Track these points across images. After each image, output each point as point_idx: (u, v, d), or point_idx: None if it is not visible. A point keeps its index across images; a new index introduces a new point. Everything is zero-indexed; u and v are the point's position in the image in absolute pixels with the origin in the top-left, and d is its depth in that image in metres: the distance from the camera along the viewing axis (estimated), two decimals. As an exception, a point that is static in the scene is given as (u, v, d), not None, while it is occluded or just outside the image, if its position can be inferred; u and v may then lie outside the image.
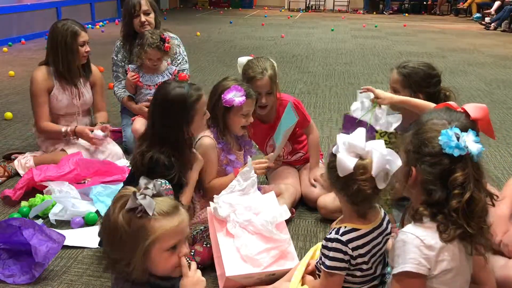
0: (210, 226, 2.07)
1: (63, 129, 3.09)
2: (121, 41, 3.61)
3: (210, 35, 9.66)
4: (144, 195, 1.38)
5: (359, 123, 2.28)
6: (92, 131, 3.10)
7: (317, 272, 1.73)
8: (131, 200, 1.36)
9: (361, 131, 1.54)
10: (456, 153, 1.38)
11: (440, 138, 1.40)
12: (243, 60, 2.65)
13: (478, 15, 13.26)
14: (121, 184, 2.40)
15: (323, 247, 1.60)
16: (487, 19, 11.90)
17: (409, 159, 1.49)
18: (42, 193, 2.70)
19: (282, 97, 2.70)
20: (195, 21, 12.12)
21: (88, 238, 2.34)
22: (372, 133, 2.24)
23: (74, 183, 2.78)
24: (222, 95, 2.27)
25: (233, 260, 1.93)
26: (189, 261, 1.88)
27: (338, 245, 1.55)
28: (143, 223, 1.36)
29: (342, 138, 1.53)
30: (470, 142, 1.39)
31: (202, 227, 2.20)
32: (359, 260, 1.58)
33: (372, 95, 2.30)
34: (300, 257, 2.00)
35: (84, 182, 2.88)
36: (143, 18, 3.44)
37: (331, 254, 1.56)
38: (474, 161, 1.40)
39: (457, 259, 1.42)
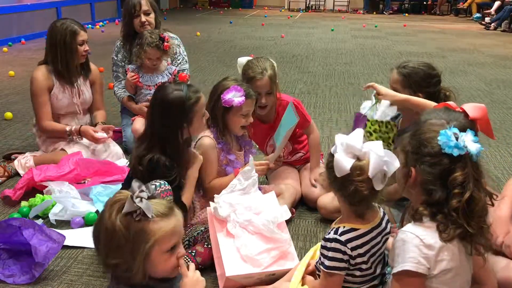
0: (210, 226, 2.07)
1: (68, 128, 3.10)
2: (121, 41, 3.61)
3: (210, 35, 9.66)
4: (140, 198, 1.37)
5: (364, 118, 2.31)
6: (96, 132, 3.10)
7: (317, 272, 1.73)
8: (129, 203, 1.35)
9: (359, 132, 1.55)
10: (455, 152, 1.38)
11: (439, 138, 1.41)
12: (243, 60, 2.65)
13: (478, 15, 13.26)
14: (121, 184, 2.40)
15: (322, 247, 1.60)
16: (487, 19, 11.90)
17: (408, 160, 1.49)
18: (42, 193, 2.70)
19: (282, 97, 2.70)
20: (195, 21, 12.12)
21: (88, 238, 2.33)
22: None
23: (74, 183, 2.78)
24: (221, 95, 2.28)
25: (233, 260, 1.93)
26: (188, 261, 1.89)
27: (337, 245, 1.55)
28: (142, 226, 1.36)
29: (340, 139, 1.54)
30: (469, 141, 1.40)
31: (202, 228, 2.20)
32: (358, 260, 1.58)
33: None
34: (300, 257, 2.00)
35: (84, 182, 2.88)
36: (143, 18, 3.44)
37: (330, 254, 1.56)
38: (473, 161, 1.40)
39: (457, 259, 1.42)
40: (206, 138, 2.32)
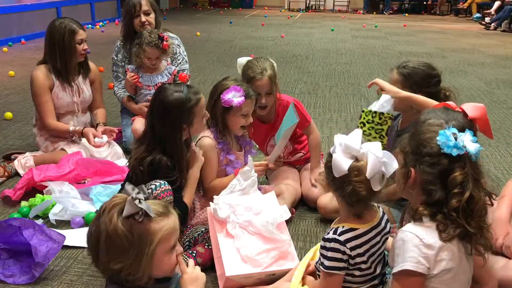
0: (210, 226, 2.07)
1: (71, 128, 3.10)
2: (121, 41, 3.61)
3: (210, 35, 9.66)
4: (139, 199, 1.37)
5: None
6: (95, 136, 3.11)
7: (317, 273, 1.73)
8: (129, 206, 1.34)
9: (358, 132, 1.55)
10: (454, 152, 1.39)
11: (438, 138, 1.41)
12: (242, 60, 2.65)
13: (478, 15, 13.26)
14: (121, 184, 2.40)
15: (322, 247, 1.60)
16: (487, 19, 11.90)
17: (408, 160, 1.49)
18: (42, 193, 2.70)
19: (282, 97, 2.70)
20: (195, 21, 12.12)
21: (88, 238, 2.34)
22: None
23: (74, 183, 2.78)
24: (221, 95, 2.27)
25: (233, 260, 1.93)
26: (187, 258, 1.89)
27: (336, 245, 1.56)
28: (145, 227, 1.36)
29: (339, 139, 1.54)
30: (468, 141, 1.40)
31: (203, 229, 2.20)
32: (358, 259, 1.58)
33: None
34: (300, 257, 2.00)
35: (84, 182, 2.88)
36: (143, 18, 3.44)
37: (330, 254, 1.57)
38: (472, 161, 1.41)
39: (457, 259, 1.42)
40: (206, 138, 2.33)
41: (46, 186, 2.71)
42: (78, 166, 2.89)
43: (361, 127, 2.33)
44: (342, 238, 1.56)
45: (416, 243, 1.40)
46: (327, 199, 2.49)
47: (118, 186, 2.60)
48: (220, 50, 7.89)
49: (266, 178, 2.91)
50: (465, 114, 1.60)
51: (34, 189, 2.75)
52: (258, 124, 2.63)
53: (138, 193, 1.38)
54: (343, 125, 4.17)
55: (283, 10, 16.15)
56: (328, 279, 1.59)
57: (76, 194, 2.65)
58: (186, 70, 3.61)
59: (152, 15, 3.50)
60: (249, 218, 2.02)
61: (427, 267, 1.40)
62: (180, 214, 2.09)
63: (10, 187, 2.81)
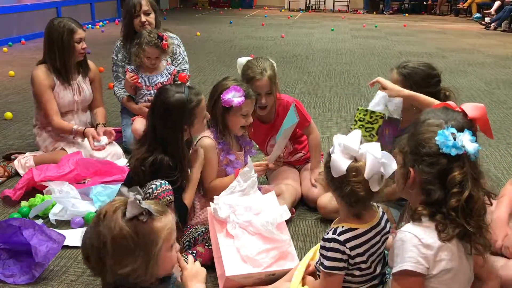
0: (210, 226, 2.07)
1: (75, 126, 3.11)
2: (121, 41, 3.61)
3: (210, 35, 9.66)
4: (139, 200, 1.37)
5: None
6: (95, 138, 3.12)
7: (317, 273, 1.73)
8: (134, 207, 1.33)
9: (357, 133, 1.55)
10: (453, 152, 1.39)
11: (437, 138, 1.41)
12: (242, 60, 2.65)
13: (478, 15, 13.26)
14: (121, 184, 2.40)
15: (321, 247, 1.60)
16: (487, 19, 11.90)
17: (407, 160, 1.49)
18: (42, 193, 2.70)
19: (282, 97, 2.70)
20: (195, 21, 12.12)
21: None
22: (393, 128, 2.31)
23: (74, 183, 2.79)
24: (221, 95, 2.28)
25: (233, 260, 1.93)
26: (186, 257, 1.88)
27: (336, 245, 1.56)
28: (150, 227, 1.35)
29: (338, 139, 1.54)
30: (467, 141, 1.40)
31: (203, 229, 2.20)
32: (358, 259, 1.58)
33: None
34: (300, 257, 2.00)
35: (84, 182, 2.88)
36: (143, 18, 3.44)
37: (329, 254, 1.57)
38: (471, 160, 1.41)
39: (456, 259, 1.42)
40: (206, 138, 2.32)
41: (46, 186, 2.71)
42: (78, 166, 2.89)
43: (354, 125, 2.35)
44: (341, 238, 1.56)
45: (415, 243, 1.40)
46: (327, 199, 2.49)
47: (118, 186, 2.60)
48: (220, 50, 7.89)
49: (266, 178, 2.91)
50: (464, 114, 1.60)
51: (34, 189, 2.75)
52: (258, 124, 2.63)
53: (137, 194, 1.38)
54: (343, 125, 4.17)
55: (283, 10, 16.16)
56: (328, 279, 1.60)
57: (76, 194, 2.65)
58: (186, 70, 3.61)
59: (152, 15, 3.50)
60: (249, 218, 2.02)
61: (426, 267, 1.40)
62: (180, 214, 2.12)
63: (10, 187, 2.81)
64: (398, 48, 8.34)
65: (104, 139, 3.13)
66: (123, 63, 3.57)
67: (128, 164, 2.25)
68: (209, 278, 1.98)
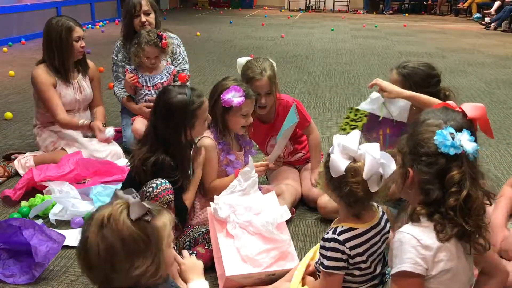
0: (210, 226, 2.08)
1: (80, 122, 3.11)
2: (121, 41, 3.61)
3: (210, 35, 9.66)
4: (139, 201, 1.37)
5: (376, 118, 2.33)
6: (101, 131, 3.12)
7: (317, 273, 1.73)
8: (138, 207, 1.32)
9: (356, 133, 1.55)
10: (451, 152, 1.39)
11: (435, 138, 1.41)
12: (242, 60, 2.65)
13: (478, 15, 13.26)
14: (121, 184, 2.40)
15: (321, 247, 1.61)
16: (487, 19, 11.90)
17: (406, 160, 1.49)
18: (42, 193, 2.70)
19: (282, 97, 2.70)
20: (195, 21, 12.12)
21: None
22: (384, 127, 2.29)
23: (74, 183, 2.79)
24: (221, 95, 2.28)
25: (233, 260, 1.93)
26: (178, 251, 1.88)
27: (336, 245, 1.56)
28: (154, 225, 1.34)
29: (337, 139, 1.54)
30: (465, 141, 1.40)
31: (203, 229, 2.20)
32: (357, 259, 1.58)
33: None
34: (300, 257, 2.00)
35: (84, 182, 2.88)
36: (143, 18, 3.44)
37: (329, 254, 1.57)
38: (470, 160, 1.41)
39: (455, 259, 1.42)
40: (206, 138, 2.32)
41: (46, 186, 2.72)
42: (78, 166, 2.89)
43: (342, 123, 2.37)
44: (341, 237, 1.56)
45: (414, 244, 1.40)
46: (327, 199, 2.49)
47: (118, 186, 2.60)
48: (220, 50, 7.89)
49: (266, 178, 2.91)
50: (464, 114, 1.60)
51: (34, 189, 2.76)
52: (258, 124, 2.63)
53: (135, 196, 1.37)
54: (343, 125, 4.16)
55: (283, 10, 16.15)
56: (328, 279, 1.60)
57: (76, 194, 2.65)
58: (186, 70, 3.61)
59: (152, 15, 3.50)
60: (249, 218, 2.02)
61: (425, 268, 1.40)
62: (180, 213, 2.12)
63: (10, 187, 2.81)
64: (398, 48, 8.34)
65: (110, 130, 3.11)
66: (123, 63, 3.57)
67: (129, 164, 2.25)
68: (209, 278, 1.98)
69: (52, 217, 2.49)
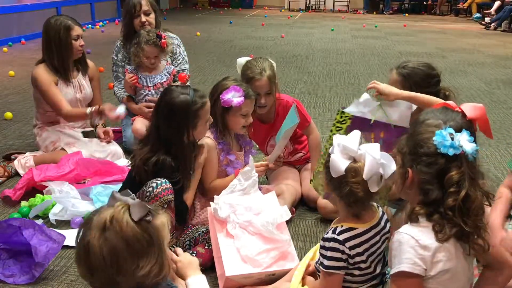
0: (210, 226, 2.08)
1: (88, 110, 3.09)
2: (121, 41, 3.61)
3: (210, 35, 9.66)
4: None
5: (363, 120, 2.27)
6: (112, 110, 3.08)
7: (317, 273, 1.73)
8: (140, 208, 1.31)
9: (356, 134, 1.55)
10: (451, 152, 1.39)
11: (434, 138, 1.41)
12: (242, 60, 2.65)
13: (478, 15, 13.26)
14: (121, 184, 2.40)
15: (321, 247, 1.61)
16: (487, 19, 11.90)
17: (405, 160, 1.50)
18: (42, 193, 2.70)
19: (282, 97, 2.70)
20: (195, 21, 12.12)
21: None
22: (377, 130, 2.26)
23: (74, 183, 2.79)
24: (220, 95, 2.28)
25: (233, 260, 1.93)
26: (173, 249, 1.89)
27: (335, 245, 1.56)
28: (155, 224, 1.35)
29: (337, 139, 1.54)
30: (464, 141, 1.40)
31: (204, 229, 2.20)
32: (357, 259, 1.58)
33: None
34: (300, 257, 2.00)
35: (84, 182, 2.88)
36: (143, 18, 3.44)
37: (329, 253, 1.57)
38: (469, 160, 1.41)
39: (454, 259, 1.42)
40: (206, 138, 2.32)
41: (46, 186, 2.72)
42: (78, 166, 2.89)
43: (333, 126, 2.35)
44: (341, 237, 1.56)
45: (412, 244, 1.40)
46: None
47: (118, 186, 2.60)
48: (220, 50, 7.89)
49: (266, 178, 2.92)
50: (464, 114, 1.60)
51: (34, 189, 2.76)
52: (258, 124, 2.64)
53: (133, 198, 1.37)
54: (343, 125, 4.16)
55: (283, 10, 16.15)
56: (328, 279, 1.60)
57: (76, 194, 2.65)
58: (186, 70, 3.61)
59: (152, 15, 3.50)
60: (249, 218, 2.02)
61: (423, 268, 1.40)
62: (180, 213, 2.13)
63: (10, 187, 2.82)
64: (398, 48, 8.34)
65: (121, 108, 3.06)
66: (123, 63, 3.57)
67: (130, 163, 2.25)
68: (209, 278, 1.98)
69: (52, 217, 2.49)
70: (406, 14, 14.97)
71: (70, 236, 2.28)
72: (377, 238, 1.62)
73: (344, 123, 2.28)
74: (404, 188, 1.51)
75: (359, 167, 1.49)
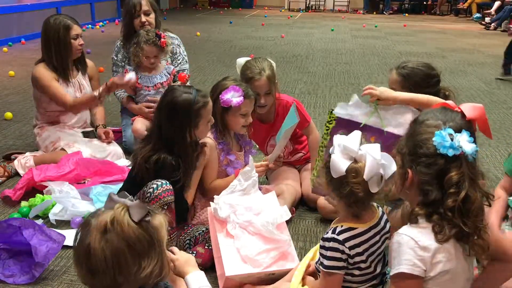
0: (210, 226, 2.08)
1: (96, 93, 3.07)
2: (121, 41, 3.61)
3: (210, 35, 9.66)
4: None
5: (349, 122, 2.19)
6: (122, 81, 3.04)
7: (317, 273, 1.73)
8: (140, 209, 1.31)
9: (357, 134, 1.55)
10: (450, 153, 1.39)
11: (434, 139, 1.41)
12: (241, 61, 2.65)
13: (478, 15, 13.25)
14: (121, 184, 2.40)
15: (321, 247, 1.61)
16: (487, 19, 11.89)
17: (405, 161, 1.50)
18: (42, 193, 2.70)
19: (281, 97, 2.70)
20: (195, 21, 12.12)
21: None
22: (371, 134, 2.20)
23: (74, 183, 2.79)
24: (220, 95, 2.28)
25: (233, 260, 1.94)
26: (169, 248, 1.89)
27: (335, 244, 1.56)
28: (154, 224, 1.35)
29: (338, 139, 1.54)
30: (464, 142, 1.40)
31: (204, 228, 2.21)
32: (357, 259, 1.58)
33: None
34: (300, 257, 2.00)
35: (84, 182, 2.88)
36: (143, 18, 3.44)
37: (329, 253, 1.57)
38: (468, 161, 1.41)
39: (454, 260, 1.42)
40: (206, 138, 2.32)
41: (46, 186, 2.72)
42: (78, 166, 2.89)
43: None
44: (340, 237, 1.56)
45: (412, 245, 1.40)
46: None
47: (118, 186, 2.60)
48: (220, 50, 7.89)
49: (266, 178, 2.92)
50: (463, 114, 1.60)
51: (34, 189, 2.76)
52: (258, 124, 2.64)
53: (131, 198, 1.37)
54: (343, 125, 4.16)
55: (283, 10, 16.15)
56: (328, 279, 1.60)
57: (76, 194, 2.65)
58: (186, 70, 3.62)
59: (152, 15, 3.50)
60: (249, 218, 2.02)
61: (423, 269, 1.40)
62: (181, 211, 2.13)
63: (10, 187, 2.82)
64: (398, 48, 8.34)
65: (132, 73, 3.01)
66: (123, 63, 3.57)
67: (131, 162, 2.25)
68: (209, 278, 1.97)
69: (52, 217, 2.49)
70: (406, 14, 14.97)
71: (70, 236, 2.28)
72: (377, 238, 1.62)
73: (331, 124, 2.24)
74: (403, 188, 1.51)
75: (360, 168, 1.49)
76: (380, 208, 1.69)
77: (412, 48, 8.38)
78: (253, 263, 1.93)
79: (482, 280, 1.64)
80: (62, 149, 3.12)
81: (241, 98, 2.26)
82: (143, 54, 3.28)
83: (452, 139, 1.40)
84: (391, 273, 1.44)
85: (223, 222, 2.04)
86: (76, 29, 3.09)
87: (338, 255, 1.56)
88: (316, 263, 1.68)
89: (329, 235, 1.58)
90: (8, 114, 4.20)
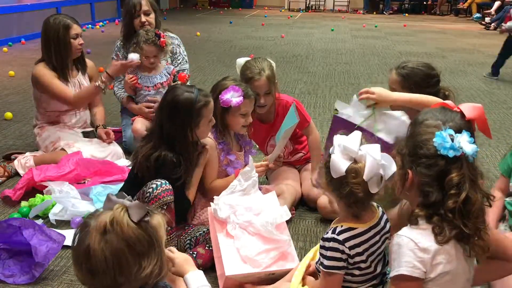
0: (210, 226, 2.08)
1: (98, 82, 3.09)
2: (121, 41, 3.61)
3: (210, 35, 9.66)
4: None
5: (344, 121, 2.17)
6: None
7: (318, 273, 1.73)
8: (139, 209, 1.31)
9: (357, 134, 1.55)
10: (451, 154, 1.39)
11: (434, 139, 1.41)
12: (241, 61, 2.65)
13: (478, 15, 13.25)
14: (121, 184, 2.41)
15: (321, 247, 1.61)
16: (487, 19, 11.90)
17: (405, 162, 1.49)
18: (42, 193, 2.70)
19: (281, 97, 2.70)
20: (195, 21, 12.12)
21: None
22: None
23: (74, 183, 2.79)
24: (220, 95, 2.28)
25: (232, 260, 1.94)
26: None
27: (335, 244, 1.56)
28: (153, 224, 1.35)
29: (338, 140, 1.54)
30: (465, 142, 1.40)
31: (205, 229, 2.20)
32: (357, 258, 1.58)
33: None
34: (300, 257, 2.00)
35: (84, 182, 2.88)
36: (143, 18, 3.44)
37: (329, 253, 1.57)
38: (469, 162, 1.41)
39: (454, 261, 1.42)
40: (206, 138, 2.32)
41: (46, 186, 2.72)
42: (78, 166, 2.89)
43: None
44: (340, 237, 1.56)
45: (411, 247, 1.40)
46: (327, 199, 2.49)
47: (118, 186, 2.60)
48: (220, 50, 7.89)
49: (266, 178, 2.92)
50: (462, 114, 1.60)
51: (34, 189, 2.76)
52: (258, 124, 2.64)
53: (130, 199, 1.37)
54: (343, 125, 4.16)
55: (283, 10, 16.15)
56: (328, 279, 1.60)
57: (76, 194, 2.65)
58: (186, 70, 3.62)
59: (152, 15, 3.50)
60: (249, 218, 2.03)
61: (423, 271, 1.40)
62: (182, 209, 2.13)
63: (10, 187, 2.82)
64: (398, 48, 8.35)
65: (134, 54, 3.07)
66: (123, 63, 3.57)
67: (131, 162, 2.25)
68: (209, 278, 1.98)
69: (52, 217, 2.49)
70: (406, 14, 14.96)
71: (70, 236, 2.26)
72: (377, 238, 1.62)
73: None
74: (403, 189, 1.51)
75: (360, 168, 1.49)
76: (380, 208, 1.69)
77: (412, 48, 8.39)
78: (253, 263, 1.93)
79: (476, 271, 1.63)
80: (62, 149, 3.12)
81: (241, 98, 2.27)
82: (143, 54, 3.27)
83: (452, 140, 1.40)
84: (391, 275, 1.44)
85: (223, 223, 2.04)
86: (75, 29, 3.09)
87: (338, 255, 1.56)
88: (316, 263, 1.68)
89: (329, 235, 1.58)
90: (8, 114, 4.21)
